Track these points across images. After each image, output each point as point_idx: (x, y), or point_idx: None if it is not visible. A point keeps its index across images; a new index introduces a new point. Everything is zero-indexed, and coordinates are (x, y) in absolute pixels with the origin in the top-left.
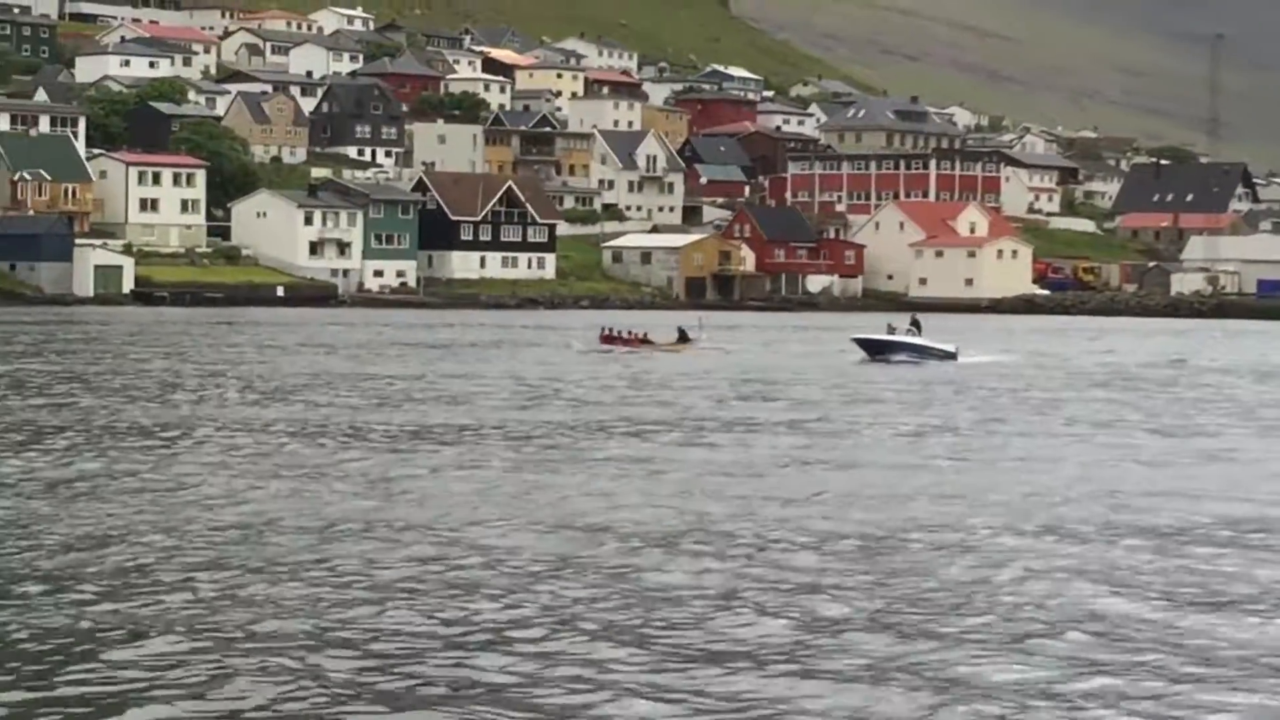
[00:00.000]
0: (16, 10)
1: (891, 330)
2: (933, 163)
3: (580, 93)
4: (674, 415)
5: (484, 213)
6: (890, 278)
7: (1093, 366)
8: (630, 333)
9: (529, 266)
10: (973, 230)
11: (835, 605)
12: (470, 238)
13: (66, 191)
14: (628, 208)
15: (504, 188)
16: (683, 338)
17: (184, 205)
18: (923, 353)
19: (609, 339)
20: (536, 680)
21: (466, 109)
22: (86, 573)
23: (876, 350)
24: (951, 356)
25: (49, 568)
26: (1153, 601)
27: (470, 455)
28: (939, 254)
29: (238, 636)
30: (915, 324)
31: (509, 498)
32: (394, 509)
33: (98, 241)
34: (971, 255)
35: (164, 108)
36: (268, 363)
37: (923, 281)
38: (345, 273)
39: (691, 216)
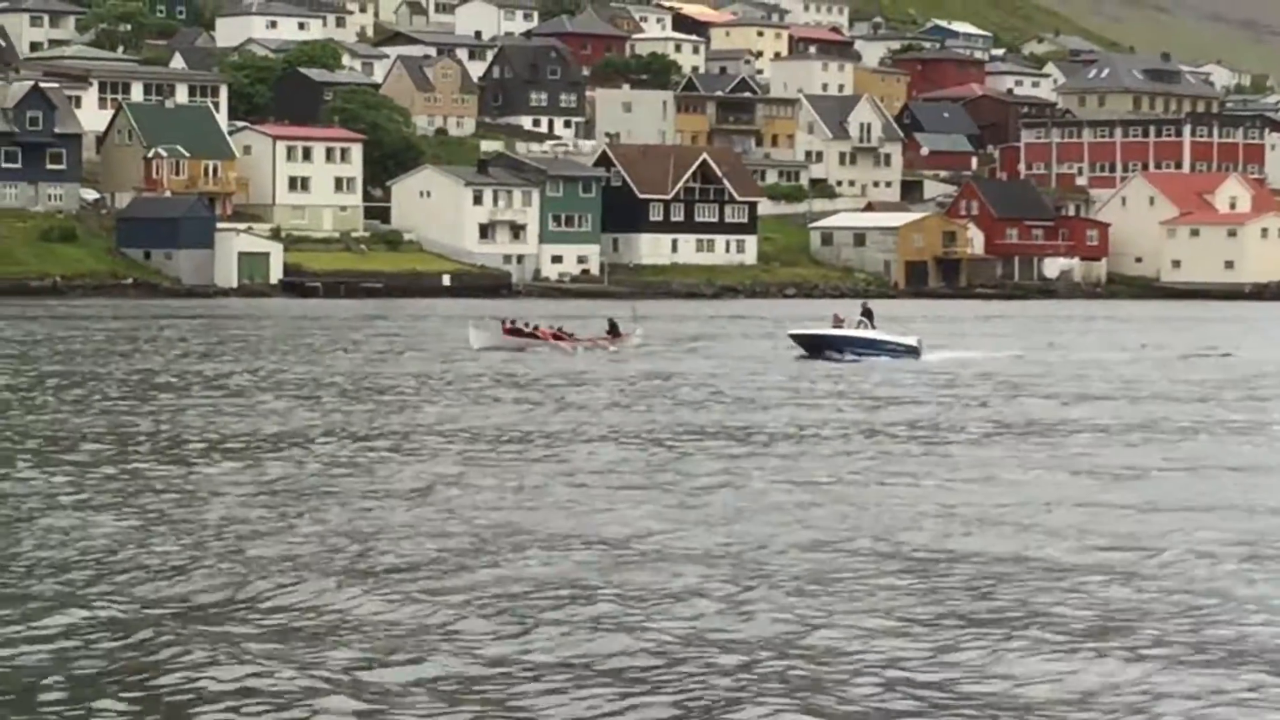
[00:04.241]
0: None
1: (839, 322)
2: (1187, 129)
3: (784, 53)
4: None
5: (676, 190)
6: (1139, 260)
7: (1079, 366)
8: (537, 327)
9: (727, 250)
10: (1233, 206)
11: None
12: (660, 218)
13: (207, 169)
14: (838, 183)
15: (698, 161)
16: (614, 331)
17: (338, 184)
18: (876, 348)
19: (513, 332)
20: None
21: (655, 72)
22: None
23: (816, 346)
24: (913, 352)
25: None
26: None
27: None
28: (1195, 233)
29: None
30: (867, 314)
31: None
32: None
33: (242, 226)
34: (1232, 234)
35: (315, 74)
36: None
37: (1176, 264)
38: (520, 259)
39: (911, 192)
